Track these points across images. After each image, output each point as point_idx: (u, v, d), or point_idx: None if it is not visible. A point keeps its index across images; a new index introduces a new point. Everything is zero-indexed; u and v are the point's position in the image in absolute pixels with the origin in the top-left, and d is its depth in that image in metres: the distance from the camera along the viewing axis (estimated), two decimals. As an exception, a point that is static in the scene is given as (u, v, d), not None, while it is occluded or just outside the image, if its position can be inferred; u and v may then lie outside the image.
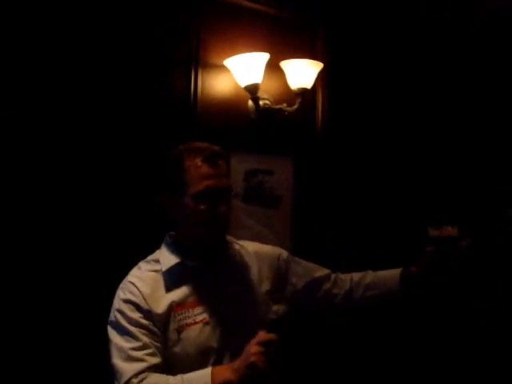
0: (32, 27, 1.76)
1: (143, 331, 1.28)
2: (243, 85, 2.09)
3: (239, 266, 1.44)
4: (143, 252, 1.46)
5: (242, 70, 2.06)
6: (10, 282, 1.68)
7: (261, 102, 2.18)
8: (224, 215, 1.34)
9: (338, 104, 2.45)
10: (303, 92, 2.21)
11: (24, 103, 1.74)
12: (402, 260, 1.58)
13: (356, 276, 1.55)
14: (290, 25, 2.36)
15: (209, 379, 1.21)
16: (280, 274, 1.49)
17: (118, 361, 1.26)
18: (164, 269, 1.36)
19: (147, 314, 1.29)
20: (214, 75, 2.14)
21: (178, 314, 1.31)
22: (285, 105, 2.24)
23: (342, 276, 1.56)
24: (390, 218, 2.46)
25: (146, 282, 1.34)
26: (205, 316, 1.33)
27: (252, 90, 2.09)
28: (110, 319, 1.33)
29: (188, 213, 1.33)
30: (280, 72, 2.23)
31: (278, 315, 1.23)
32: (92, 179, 1.83)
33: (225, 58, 2.09)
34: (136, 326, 1.28)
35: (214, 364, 1.30)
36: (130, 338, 1.27)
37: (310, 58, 2.22)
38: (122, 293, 1.34)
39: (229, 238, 1.47)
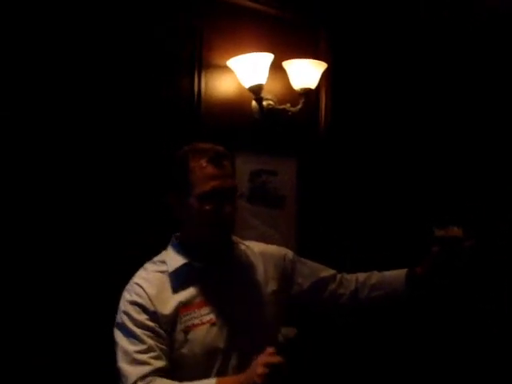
0: (36, 29, 1.76)
1: (149, 333, 1.28)
2: (247, 85, 2.09)
3: (245, 267, 1.45)
4: (147, 253, 1.46)
5: (246, 70, 2.06)
6: (12, 282, 1.68)
7: (264, 103, 2.17)
8: (229, 215, 1.34)
9: (341, 104, 2.45)
10: (307, 92, 2.21)
11: (28, 104, 1.74)
12: (407, 260, 1.58)
13: (361, 276, 1.55)
14: (292, 25, 2.35)
15: None
16: (286, 275, 1.49)
17: (123, 364, 1.27)
18: (170, 270, 1.36)
19: (153, 315, 1.29)
20: (217, 76, 2.14)
21: (185, 315, 1.31)
22: (288, 105, 2.24)
23: (348, 276, 1.56)
24: (395, 218, 2.46)
25: (152, 283, 1.34)
26: (211, 316, 1.33)
27: (256, 90, 2.09)
28: (116, 321, 1.33)
29: (193, 213, 1.34)
30: (283, 72, 2.23)
31: (287, 339, 1.22)
32: (96, 180, 1.83)
33: (228, 59, 2.09)
34: (141, 328, 1.28)
35: (221, 365, 1.31)
36: (136, 341, 1.27)
37: (313, 58, 2.22)
38: (128, 294, 1.34)
39: (234, 238, 1.47)
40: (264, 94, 2.13)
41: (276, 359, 1.16)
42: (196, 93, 2.06)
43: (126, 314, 1.30)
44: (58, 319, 1.73)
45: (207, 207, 1.31)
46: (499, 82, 2.45)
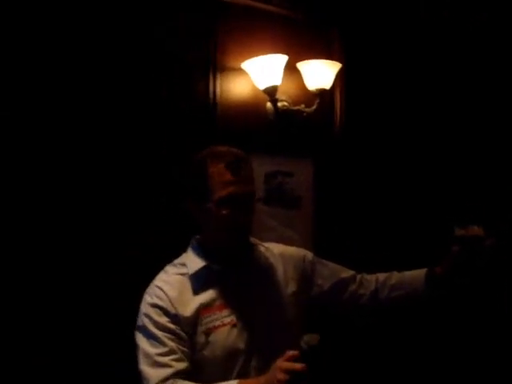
0: (53, 30, 1.77)
1: (170, 336, 1.29)
2: (262, 87, 2.09)
3: (264, 268, 1.45)
4: (147, 253, 1.46)
5: (261, 72, 2.06)
6: (12, 282, 1.68)
7: (279, 104, 2.17)
8: (245, 221, 1.35)
9: (355, 103, 2.44)
10: (321, 92, 2.21)
11: (41, 105, 1.75)
12: (427, 260, 1.57)
13: (381, 276, 1.54)
14: (305, 25, 2.35)
15: None
16: (305, 276, 1.49)
17: (144, 367, 1.27)
18: (191, 272, 1.36)
19: (174, 318, 1.30)
20: (232, 78, 2.14)
21: (206, 317, 1.32)
22: (303, 106, 2.24)
23: (368, 277, 1.55)
24: (412, 217, 2.45)
25: (173, 285, 1.34)
26: (232, 318, 1.33)
27: (271, 92, 2.09)
28: (137, 324, 1.34)
29: (211, 218, 1.34)
30: (297, 73, 2.22)
31: (309, 346, 1.21)
32: (96, 180, 1.83)
33: (241, 61, 2.10)
34: (163, 331, 1.29)
35: (242, 366, 1.31)
36: (157, 343, 1.28)
37: (327, 59, 2.22)
38: (148, 297, 1.34)
39: (253, 240, 1.47)
40: (279, 96, 2.13)
41: (298, 366, 1.15)
42: (211, 96, 2.07)
43: (147, 316, 1.31)
44: (57, 319, 1.73)
45: (224, 212, 1.32)
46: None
